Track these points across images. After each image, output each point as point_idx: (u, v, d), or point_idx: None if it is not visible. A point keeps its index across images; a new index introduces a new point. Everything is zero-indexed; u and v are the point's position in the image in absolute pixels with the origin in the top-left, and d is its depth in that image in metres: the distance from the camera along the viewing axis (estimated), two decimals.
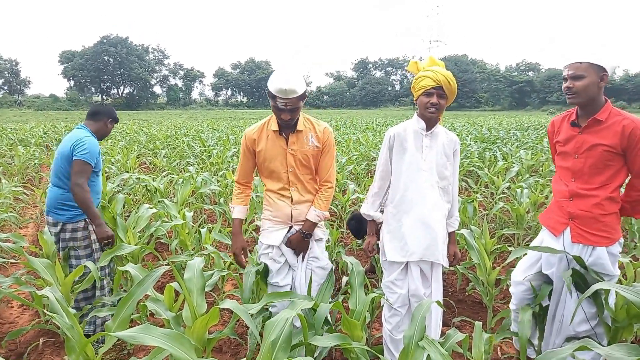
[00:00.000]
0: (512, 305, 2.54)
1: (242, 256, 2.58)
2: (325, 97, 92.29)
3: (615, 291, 2.03)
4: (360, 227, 3.86)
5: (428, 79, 2.25)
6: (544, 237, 2.42)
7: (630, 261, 2.95)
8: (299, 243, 2.52)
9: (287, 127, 2.41)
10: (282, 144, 2.44)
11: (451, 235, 2.51)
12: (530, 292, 2.43)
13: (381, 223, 2.56)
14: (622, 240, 2.23)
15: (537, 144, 12.20)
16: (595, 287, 1.81)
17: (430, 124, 2.37)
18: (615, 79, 73.63)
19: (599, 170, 2.16)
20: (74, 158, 2.87)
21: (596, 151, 2.14)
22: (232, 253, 2.60)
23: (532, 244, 2.51)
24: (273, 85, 2.24)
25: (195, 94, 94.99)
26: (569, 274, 2.14)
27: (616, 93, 68.34)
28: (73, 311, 2.21)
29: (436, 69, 2.27)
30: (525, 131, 18.31)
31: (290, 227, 2.54)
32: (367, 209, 2.54)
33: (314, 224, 2.51)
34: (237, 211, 2.57)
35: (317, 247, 2.58)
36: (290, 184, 2.48)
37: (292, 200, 2.49)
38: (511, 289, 2.55)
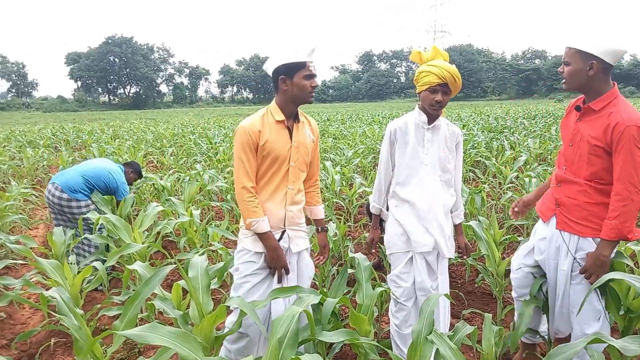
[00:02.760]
0: (513, 293, 2.48)
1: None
2: (330, 90, 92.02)
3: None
4: None
5: (433, 75, 2.19)
6: (538, 223, 2.36)
7: None
8: (328, 244, 2.49)
9: (291, 115, 2.20)
10: (286, 137, 2.18)
11: (458, 227, 2.49)
12: (529, 279, 2.36)
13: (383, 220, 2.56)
14: None
15: (544, 132, 12.08)
16: (607, 277, 1.78)
17: (432, 117, 2.34)
18: (623, 64, 72.69)
19: (585, 163, 2.03)
20: None
21: (584, 142, 2.02)
22: (282, 267, 2.17)
23: (532, 231, 2.45)
24: (301, 50, 2.06)
25: (201, 92, 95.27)
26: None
27: (625, 79, 67.47)
28: (80, 312, 2.22)
29: (442, 65, 2.21)
30: (533, 119, 18.14)
31: (283, 232, 2.24)
32: (375, 202, 2.55)
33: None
34: (267, 223, 2.15)
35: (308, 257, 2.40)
36: (289, 182, 2.20)
37: (287, 202, 2.21)
38: (511, 275, 2.48)
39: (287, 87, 2.11)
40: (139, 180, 5.31)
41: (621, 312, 2.11)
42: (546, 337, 2.42)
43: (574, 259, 2.09)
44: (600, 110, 1.99)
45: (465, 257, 2.57)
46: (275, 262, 2.15)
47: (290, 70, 2.08)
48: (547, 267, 2.23)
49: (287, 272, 2.19)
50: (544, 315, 2.39)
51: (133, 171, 4.51)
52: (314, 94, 2.15)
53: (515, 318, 2.55)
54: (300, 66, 2.07)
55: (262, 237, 2.14)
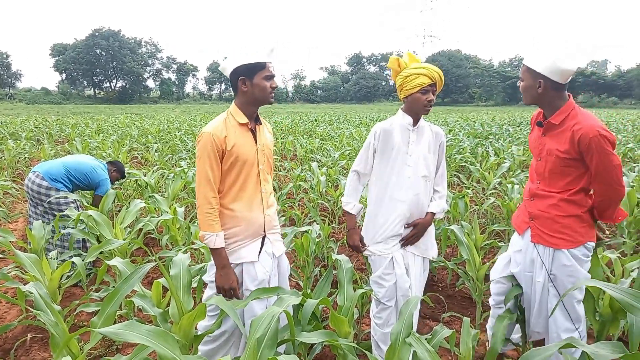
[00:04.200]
0: (491, 301, 2.51)
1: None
2: (319, 91, 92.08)
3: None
4: None
5: (424, 76, 2.24)
6: (514, 236, 2.41)
7: (618, 257, 2.97)
8: None
9: (252, 117, 2.14)
10: (251, 140, 2.12)
11: (428, 214, 2.43)
12: (508, 289, 2.38)
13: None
14: (590, 244, 2.13)
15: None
16: (579, 284, 1.82)
17: (416, 119, 2.37)
18: (607, 75, 74.03)
19: (558, 175, 2.10)
20: None
21: (552, 156, 2.08)
22: (229, 289, 2.05)
23: (510, 243, 2.48)
24: (261, 51, 2.02)
25: (188, 88, 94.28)
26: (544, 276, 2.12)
27: (608, 89, 68.74)
28: (57, 308, 2.19)
29: (428, 66, 2.28)
30: (518, 126, 18.38)
31: (264, 237, 2.21)
32: (352, 201, 2.50)
33: None
34: (222, 239, 2.05)
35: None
36: (261, 186, 2.16)
37: (264, 206, 2.17)
38: (491, 286, 2.52)
39: (247, 88, 2.05)
40: (120, 180, 5.27)
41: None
42: (519, 343, 2.46)
43: (549, 271, 2.14)
44: (561, 124, 2.05)
45: (410, 238, 2.40)
46: (223, 282, 2.04)
47: (249, 71, 2.03)
48: (524, 279, 2.27)
49: (237, 295, 2.06)
50: (517, 324, 2.42)
51: (116, 170, 4.51)
52: (274, 94, 2.11)
53: (488, 328, 2.57)
54: (260, 67, 2.03)
55: (214, 253, 2.05)
